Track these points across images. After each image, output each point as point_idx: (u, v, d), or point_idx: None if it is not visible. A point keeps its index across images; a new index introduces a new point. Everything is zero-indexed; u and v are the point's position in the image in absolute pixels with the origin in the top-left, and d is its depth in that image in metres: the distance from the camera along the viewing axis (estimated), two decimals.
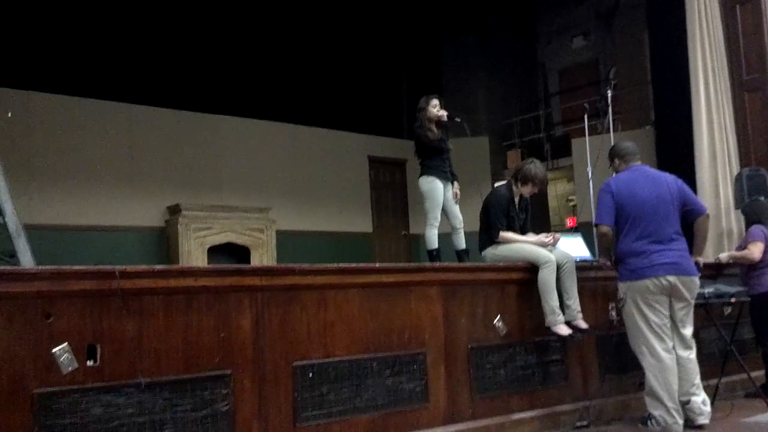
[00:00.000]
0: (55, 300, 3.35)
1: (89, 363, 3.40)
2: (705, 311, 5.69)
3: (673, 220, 4.89)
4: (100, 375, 3.42)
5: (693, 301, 4.95)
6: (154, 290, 3.63)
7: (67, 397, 3.30)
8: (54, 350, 3.30)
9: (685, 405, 4.87)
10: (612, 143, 8.36)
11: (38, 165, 9.57)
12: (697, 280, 4.91)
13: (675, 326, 4.89)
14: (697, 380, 4.94)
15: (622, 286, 4.93)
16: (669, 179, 5.03)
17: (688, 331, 4.93)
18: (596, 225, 5.04)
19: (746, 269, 6.27)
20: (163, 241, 10.50)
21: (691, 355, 4.94)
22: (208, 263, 9.95)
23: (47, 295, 3.33)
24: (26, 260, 4.95)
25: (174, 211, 10.42)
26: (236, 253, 10.68)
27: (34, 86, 9.62)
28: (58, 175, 9.73)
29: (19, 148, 9.17)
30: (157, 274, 3.67)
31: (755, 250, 6.15)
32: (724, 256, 6.46)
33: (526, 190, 5.58)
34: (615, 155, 5.21)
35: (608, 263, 5.09)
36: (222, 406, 3.71)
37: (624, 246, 4.89)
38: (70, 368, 3.33)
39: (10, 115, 8.01)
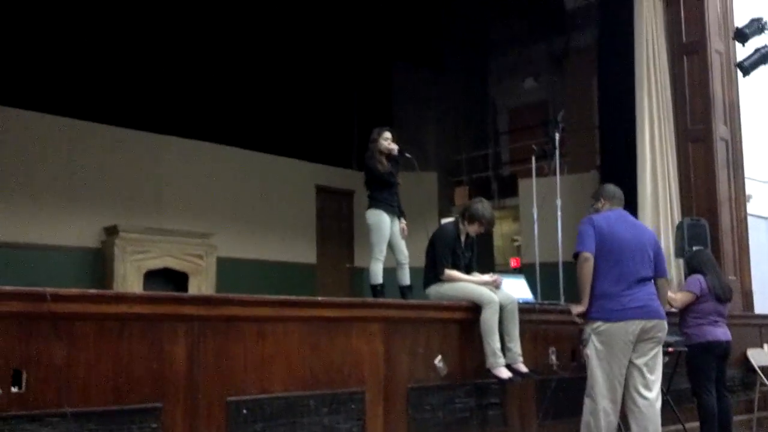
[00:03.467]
0: None
1: (13, 389, 3.25)
2: None
3: (648, 265, 4.86)
4: (24, 403, 3.27)
5: (661, 345, 4.81)
6: (86, 315, 3.49)
7: None
8: None
9: None
10: (558, 185, 8.49)
11: None
12: (665, 323, 4.81)
13: (639, 371, 4.75)
14: (653, 430, 4.73)
15: (588, 326, 4.81)
16: (648, 230, 5.16)
17: (653, 376, 4.78)
18: (577, 253, 4.86)
19: (684, 319, 6.32)
20: (98, 264, 10.11)
21: (655, 402, 4.75)
22: (144, 289, 9.65)
23: None
24: None
25: (111, 232, 10.06)
26: (174, 279, 10.37)
27: None
28: None
29: None
30: (90, 299, 3.55)
31: (678, 299, 6.14)
32: None
33: (473, 230, 5.58)
34: (602, 195, 5.20)
35: (578, 310, 4.86)
36: None
37: (597, 286, 4.79)
38: None
39: None
